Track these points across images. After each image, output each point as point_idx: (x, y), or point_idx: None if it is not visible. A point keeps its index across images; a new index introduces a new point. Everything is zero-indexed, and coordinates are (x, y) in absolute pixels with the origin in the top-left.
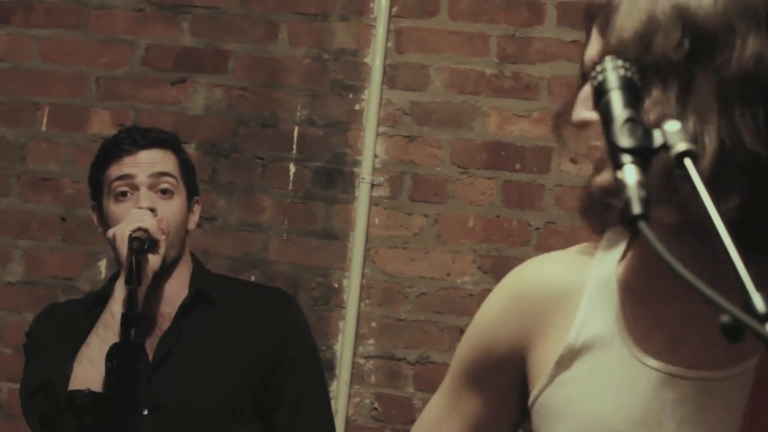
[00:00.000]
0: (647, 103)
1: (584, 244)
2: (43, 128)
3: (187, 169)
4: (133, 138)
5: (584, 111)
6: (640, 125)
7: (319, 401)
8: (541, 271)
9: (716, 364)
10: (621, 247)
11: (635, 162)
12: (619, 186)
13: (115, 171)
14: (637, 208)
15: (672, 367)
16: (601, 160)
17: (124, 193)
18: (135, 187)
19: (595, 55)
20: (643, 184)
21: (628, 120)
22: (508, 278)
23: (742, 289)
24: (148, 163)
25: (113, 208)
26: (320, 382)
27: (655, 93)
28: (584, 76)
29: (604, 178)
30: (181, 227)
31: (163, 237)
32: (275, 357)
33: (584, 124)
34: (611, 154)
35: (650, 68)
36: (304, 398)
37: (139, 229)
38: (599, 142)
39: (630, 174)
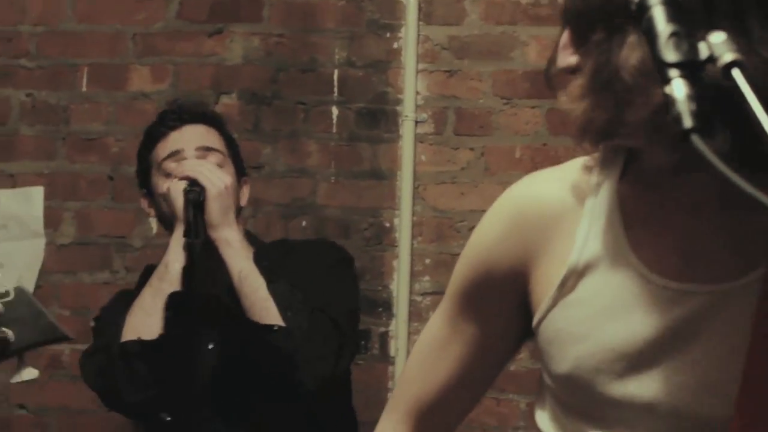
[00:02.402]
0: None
1: (577, 159)
2: (84, 89)
3: (233, 146)
4: (177, 114)
5: (567, 56)
6: (684, 39)
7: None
8: (538, 190)
9: (724, 278)
10: (619, 164)
11: (683, 76)
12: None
13: (162, 149)
14: (688, 122)
15: (679, 284)
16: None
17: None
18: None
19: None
20: (692, 98)
21: (673, 34)
22: (504, 198)
23: None
24: (194, 137)
25: (163, 184)
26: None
27: (632, 37)
28: (563, 24)
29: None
30: (232, 197)
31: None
32: None
33: (570, 69)
34: (658, 70)
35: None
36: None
37: (194, 183)
38: (584, 82)
39: (678, 88)
